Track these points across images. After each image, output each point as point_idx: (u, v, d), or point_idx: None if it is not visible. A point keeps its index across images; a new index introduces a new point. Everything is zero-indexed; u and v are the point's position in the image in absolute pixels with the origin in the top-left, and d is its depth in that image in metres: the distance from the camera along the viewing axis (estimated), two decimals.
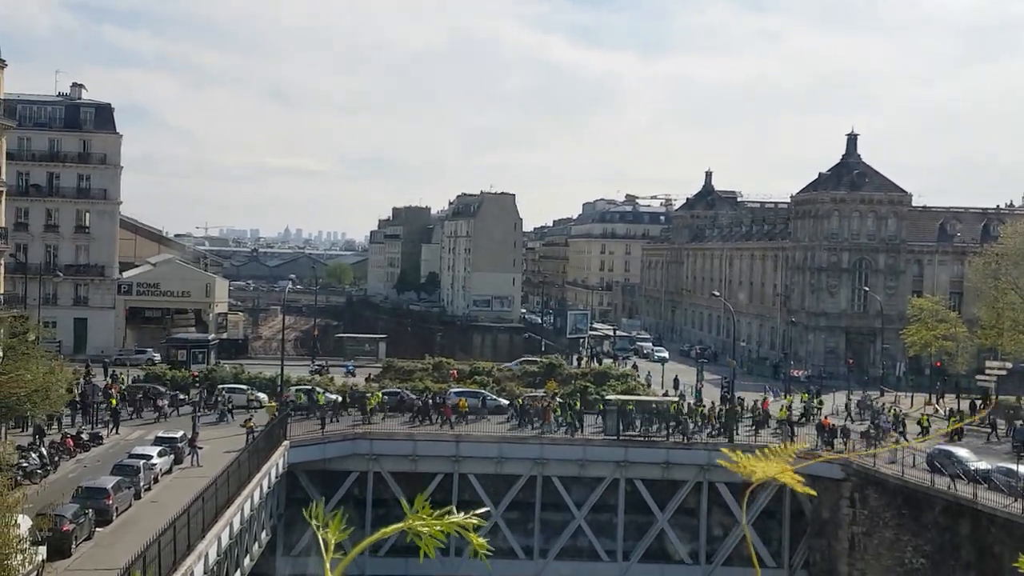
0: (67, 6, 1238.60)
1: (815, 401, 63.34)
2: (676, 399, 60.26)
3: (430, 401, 56.98)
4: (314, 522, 2.61)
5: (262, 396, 59.25)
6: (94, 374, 63.34)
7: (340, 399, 57.17)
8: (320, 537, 2.50)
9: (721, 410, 57.00)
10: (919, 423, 56.30)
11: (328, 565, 2.51)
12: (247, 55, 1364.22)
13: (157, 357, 75.74)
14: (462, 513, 2.61)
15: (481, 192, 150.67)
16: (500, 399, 60.07)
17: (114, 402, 54.05)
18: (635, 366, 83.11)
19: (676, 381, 73.92)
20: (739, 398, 60.14)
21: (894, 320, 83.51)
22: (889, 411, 59.28)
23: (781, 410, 57.66)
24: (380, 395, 57.47)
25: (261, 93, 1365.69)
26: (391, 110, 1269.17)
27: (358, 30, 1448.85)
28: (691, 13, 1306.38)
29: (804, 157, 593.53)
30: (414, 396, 59.23)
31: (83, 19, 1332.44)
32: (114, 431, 50.77)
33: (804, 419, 59.61)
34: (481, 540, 2.57)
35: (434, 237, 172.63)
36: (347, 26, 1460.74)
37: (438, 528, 2.51)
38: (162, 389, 59.03)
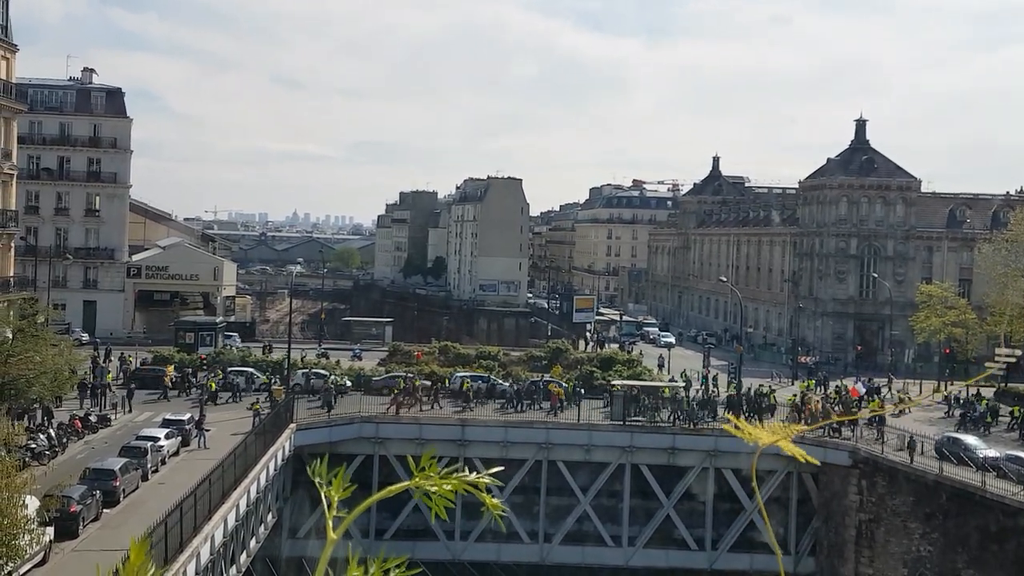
0: None
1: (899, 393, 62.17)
2: (682, 384, 60.18)
3: (523, 388, 57.03)
4: (317, 479, 2.56)
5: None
6: (109, 360, 63.57)
7: (429, 383, 57.33)
8: (323, 494, 2.46)
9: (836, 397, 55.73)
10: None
11: (331, 523, 2.48)
12: (253, 41, 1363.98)
13: (85, 337, 75.91)
14: (473, 473, 2.49)
15: (488, 177, 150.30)
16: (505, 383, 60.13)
17: (213, 385, 54.98)
18: (624, 347, 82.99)
19: (660, 359, 74.38)
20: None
21: (903, 307, 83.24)
22: (983, 403, 57.37)
23: (874, 401, 56.86)
24: (469, 381, 57.60)
25: (267, 79, 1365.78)
26: (398, 96, 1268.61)
27: (364, 17, 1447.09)
28: None
29: (813, 143, 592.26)
30: (505, 383, 59.27)
31: (93, 2, 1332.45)
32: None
33: (901, 412, 59.00)
34: (495, 501, 2.49)
35: (441, 221, 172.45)
36: (353, 13, 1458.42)
37: (447, 487, 2.41)
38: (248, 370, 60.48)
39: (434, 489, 2.40)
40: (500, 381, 60.35)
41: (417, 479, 2.45)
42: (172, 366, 60.88)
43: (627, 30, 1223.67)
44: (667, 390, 56.52)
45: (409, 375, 59.12)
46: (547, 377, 61.04)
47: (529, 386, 57.75)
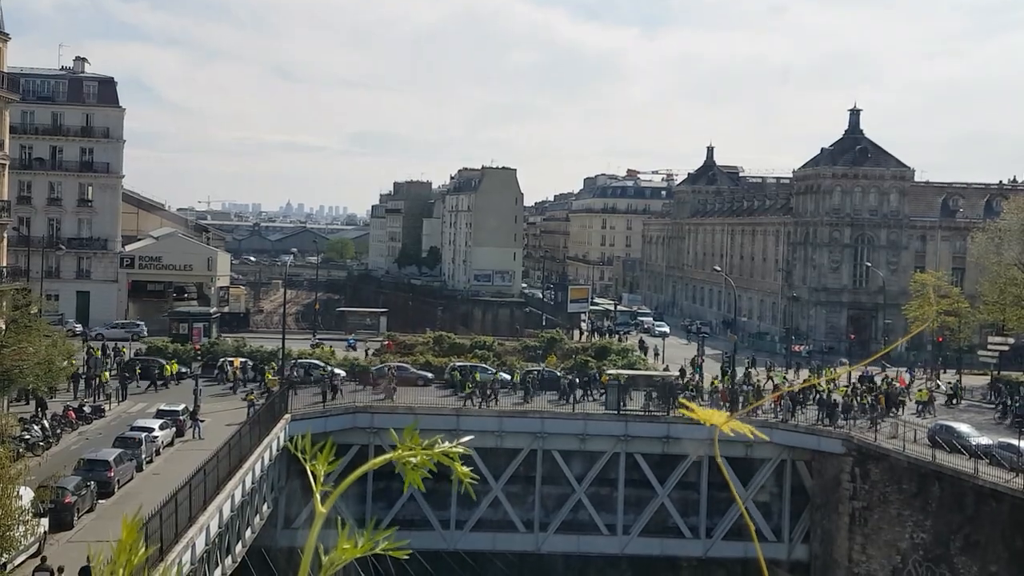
0: None
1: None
2: (677, 374, 60.27)
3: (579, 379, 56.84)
4: (300, 454, 2.60)
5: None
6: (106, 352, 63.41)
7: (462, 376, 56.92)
8: (308, 469, 2.50)
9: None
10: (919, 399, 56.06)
11: (318, 497, 2.51)
12: (250, 31, 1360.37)
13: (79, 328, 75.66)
14: (447, 443, 2.62)
15: (482, 167, 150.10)
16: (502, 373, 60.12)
17: (270, 375, 55.32)
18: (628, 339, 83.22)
19: (641, 342, 74.53)
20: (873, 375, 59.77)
21: (896, 296, 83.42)
22: None
23: (921, 391, 56.44)
24: (519, 375, 57.48)
25: (263, 69, 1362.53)
26: (393, 86, 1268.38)
27: (362, 6, 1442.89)
28: None
29: (808, 134, 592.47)
30: (559, 374, 59.03)
31: None
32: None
33: (952, 401, 58.57)
34: (465, 469, 2.55)
35: (435, 212, 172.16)
36: (355, 3, 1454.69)
37: (425, 457, 2.53)
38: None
39: (415, 460, 2.49)
40: (493, 370, 60.31)
41: (400, 451, 2.53)
42: (239, 358, 60.38)
43: (624, 20, 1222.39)
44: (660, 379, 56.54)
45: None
46: (548, 366, 60.83)
47: (583, 377, 57.43)
